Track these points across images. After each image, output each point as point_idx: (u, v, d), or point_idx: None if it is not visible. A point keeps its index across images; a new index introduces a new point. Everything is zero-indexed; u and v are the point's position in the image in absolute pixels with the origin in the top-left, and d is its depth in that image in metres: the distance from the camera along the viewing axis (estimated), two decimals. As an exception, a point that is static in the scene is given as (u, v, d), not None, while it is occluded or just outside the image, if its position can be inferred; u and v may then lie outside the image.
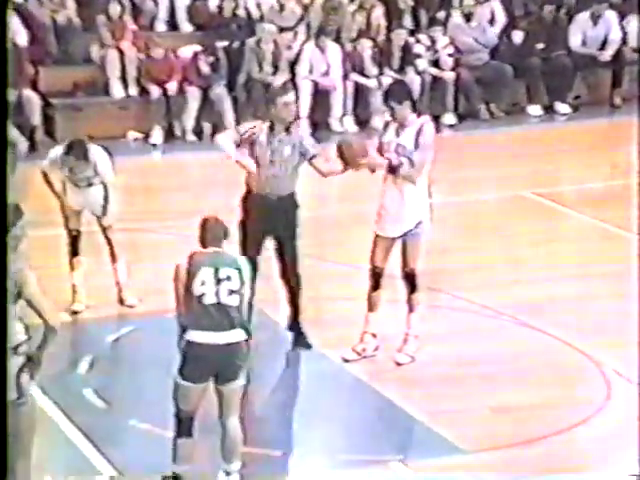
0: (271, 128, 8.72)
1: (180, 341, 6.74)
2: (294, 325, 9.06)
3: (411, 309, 8.74)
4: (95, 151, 9.43)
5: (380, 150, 8.58)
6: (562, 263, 10.53)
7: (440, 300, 9.71)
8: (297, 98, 9.20)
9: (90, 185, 9.46)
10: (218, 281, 6.71)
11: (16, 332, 6.27)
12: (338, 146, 8.61)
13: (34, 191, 9.89)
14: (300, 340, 9.04)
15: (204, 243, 6.78)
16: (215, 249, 6.76)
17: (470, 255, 10.83)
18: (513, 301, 9.73)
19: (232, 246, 7.19)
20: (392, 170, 8.45)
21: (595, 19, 16.80)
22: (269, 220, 8.85)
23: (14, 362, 6.27)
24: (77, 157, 9.32)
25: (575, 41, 16.81)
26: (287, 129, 8.72)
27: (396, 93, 8.66)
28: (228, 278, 6.71)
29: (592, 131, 15.33)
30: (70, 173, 9.38)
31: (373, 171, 8.56)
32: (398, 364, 8.65)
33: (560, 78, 16.54)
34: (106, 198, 9.52)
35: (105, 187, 9.50)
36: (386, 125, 8.73)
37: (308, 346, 9.03)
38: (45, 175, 9.48)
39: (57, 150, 9.49)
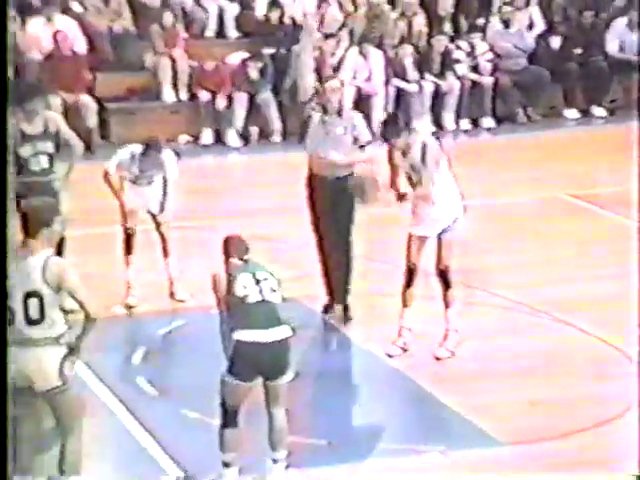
0: (324, 111, 9.19)
1: (226, 342, 6.79)
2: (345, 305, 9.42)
3: (447, 305, 8.75)
4: (165, 152, 9.59)
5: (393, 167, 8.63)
6: (596, 262, 10.51)
7: (477, 297, 9.71)
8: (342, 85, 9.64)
9: (149, 184, 9.57)
10: (257, 282, 6.79)
11: (58, 322, 6.36)
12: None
13: (91, 191, 10.01)
14: (346, 315, 9.39)
15: (229, 257, 6.87)
16: (244, 259, 6.86)
17: (507, 254, 10.84)
18: (548, 298, 9.71)
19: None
20: (401, 198, 8.55)
21: (632, 25, 16.73)
22: (327, 200, 9.27)
23: (57, 351, 6.36)
24: (153, 158, 9.44)
25: (612, 46, 16.76)
26: (339, 113, 9.20)
27: (390, 129, 8.57)
28: (266, 279, 6.81)
29: (628, 134, 15.24)
30: (140, 172, 9.48)
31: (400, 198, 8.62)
32: (438, 359, 8.66)
33: (597, 82, 16.51)
34: (164, 196, 9.62)
35: (165, 185, 9.60)
36: (390, 151, 8.65)
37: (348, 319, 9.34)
38: (106, 175, 9.58)
39: (126, 151, 9.59)
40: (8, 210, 6.15)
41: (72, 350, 6.40)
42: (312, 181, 9.43)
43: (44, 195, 9.32)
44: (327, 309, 9.60)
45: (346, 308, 9.48)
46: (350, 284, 9.49)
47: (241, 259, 6.87)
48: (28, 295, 6.24)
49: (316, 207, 9.46)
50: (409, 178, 8.55)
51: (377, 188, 8.56)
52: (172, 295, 9.69)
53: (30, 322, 6.27)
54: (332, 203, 9.31)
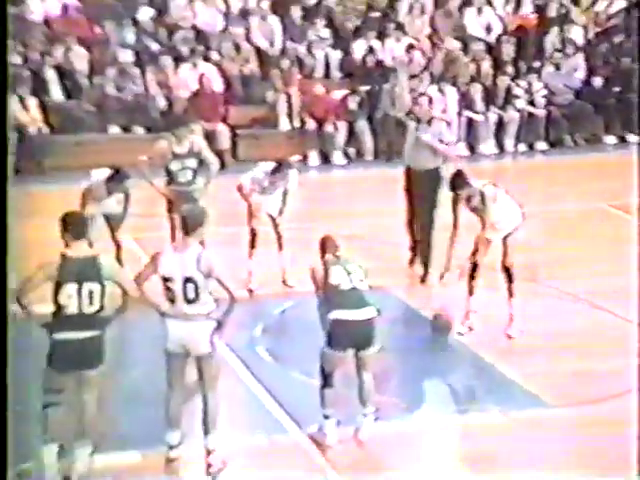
0: (418, 121, 9.96)
1: (324, 321, 6.80)
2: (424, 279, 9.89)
3: (511, 295, 8.67)
4: (292, 170, 9.70)
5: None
6: (629, 260, 10.32)
7: (535, 288, 9.57)
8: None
9: (272, 193, 9.61)
10: (348, 273, 6.81)
11: (208, 302, 6.42)
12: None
13: (223, 199, 10.11)
14: (426, 271, 9.93)
15: (325, 253, 6.89)
16: (337, 255, 6.87)
17: (559, 253, 10.69)
18: (589, 289, 9.57)
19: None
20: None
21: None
22: (419, 186, 9.93)
23: (208, 325, 6.42)
24: (281, 175, 9.48)
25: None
26: (429, 122, 9.94)
27: (457, 184, 8.52)
28: (355, 271, 6.83)
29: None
30: (268, 185, 9.56)
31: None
32: (510, 337, 8.57)
33: (631, 114, 16.17)
34: (284, 203, 9.67)
35: (285, 196, 9.64)
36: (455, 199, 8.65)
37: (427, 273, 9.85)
38: (240, 188, 9.64)
39: (259, 170, 9.65)
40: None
41: (219, 324, 6.47)
42: (408, 173, 10.03)
43: (188, 202, 9.48)
44: (411, 262, 10.17)
45: (426, 266, 9.91)
46: (431, 249, 9.86)
47: (334, 255, 6.89)
48: (186, 280, 6.33)
49: (411, 191, 10.02)
50: (474, 210, 8.51)
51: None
52: (284, 282, 9.73)
53: (188, 301, 6.37)
54: (422, 188, 9.87)
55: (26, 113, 14.36)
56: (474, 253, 8.61)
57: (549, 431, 7.07)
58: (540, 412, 7.36)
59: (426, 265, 9.94)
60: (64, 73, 15.07)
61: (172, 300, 6.39)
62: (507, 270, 8.65)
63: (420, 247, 10.07)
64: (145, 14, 16.12)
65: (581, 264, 10.41)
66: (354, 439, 6.88)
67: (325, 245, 6.94)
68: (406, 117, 10.82)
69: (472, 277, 8.67)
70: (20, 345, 7.21)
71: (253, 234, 9.77)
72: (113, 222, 9.48)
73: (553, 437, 6.98)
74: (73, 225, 6.41)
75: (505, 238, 8.60)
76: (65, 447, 6.43)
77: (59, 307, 6.29)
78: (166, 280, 6.39)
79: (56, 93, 14.96)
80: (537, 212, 10.20)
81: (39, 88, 14.71)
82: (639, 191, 12.28)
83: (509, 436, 7.04)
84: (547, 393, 7.59)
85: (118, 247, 9.50)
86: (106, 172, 9.33)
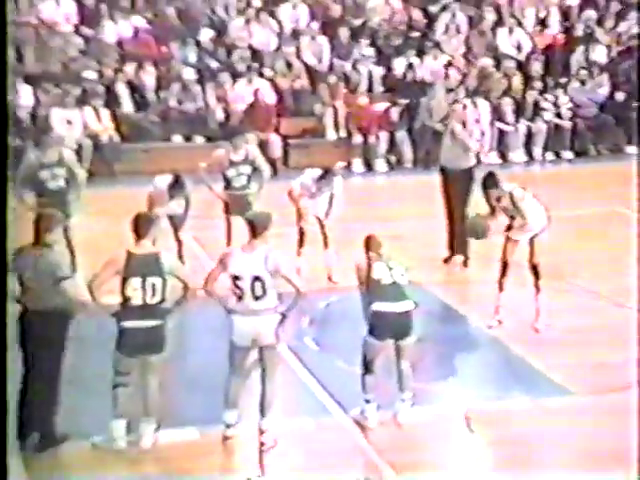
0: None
1: (366, 312, 6.78)
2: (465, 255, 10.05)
3: (538, 291, 8.59)
4: (337, 177, 9.69)
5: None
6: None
7: (561, 285, 9.44)
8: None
9: (319, 197, 9.59)
10: (390, 269, 6.76)
11: (274, 298, 6.41)
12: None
13: (275, 202, 10.09)
14: (465, 262, 10.08)
15: (369, 251, 6.83)
16: (379, 252, 6.82)
17: (583, 253, 10.55)
18: (612, 287, 9.42)
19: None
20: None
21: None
22: (454, 183, 10.04)
23: (273, 318, 6.39)
24: (328, 181, 9.47)
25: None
26: (463, 124, 10.25)
27: (489, 184, 8.48)
28: (396, 267, 6.80)
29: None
30: (316, 190, 9.55)
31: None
32: (537, 330, 8.48)
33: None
34: (330, 206, 9.65)
35: (331, 199, 9.62)
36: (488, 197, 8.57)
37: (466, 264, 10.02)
38: (291, 192, 9.64)
39: (307, 176, 9.64)
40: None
41: (284, 317, 6.46)
42: (444, 171, 10.20)
43: (242, 205, 9.51)
44: (447, 260, 10.17)
45: (466, 257, 10.05)
46: (467, 250, 9.98)
47: (377, 252, 6.85)
48: (255, 279, 6.32)
49: (447, 188, 10.14)
50: (504, 209, 8.45)
51: (488, 227, 8.52)
52: (329, 278, 9.70)
53: (255, 298, 6.36)
54: (457, 185, 10.00)
55: (99, 123, 14.50)
56: (504, 253, 8.53)
57: (572, 417, 6.99)
58: (564, 400, 7.27)
59: (465, 253, 10.04)
60: (134, 88, 15.20)
61: (240, 297, 6.38)
62: (534, 268, 8.56)
63: (459, 240, 10.06)
64: (206, 35, 16.20)
65: (603, 264, 10.25)
66: (393, 422, 6.86)
67: (369, 243, 6.91)
68: (443, 123, 11.05)
69: (502, 275, 8.61)
70: (91, 331, 7.28)
71: (301, 234, 9.76)
72: (175, 222, 9.54)
73: (576, 422, 6.89)
74: (139, 225, 6.47)
75: (532, 239, 8.52)
76: (132, 423, 6.49)
77: (126, 298, 6.36)
78: (235, 279, 6.38)
79: (126, 106, 15.08)
80: (563, 215, 10.06)
81: (111, 101, 14.86)
82: (639, 193, 12.04)
83: (536, 421, 6.97)
84: (571, 382, 7.49)
85: (179, 245, 9.55)
86: (168, 179, 9.40)
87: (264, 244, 6.47)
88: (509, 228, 8.52)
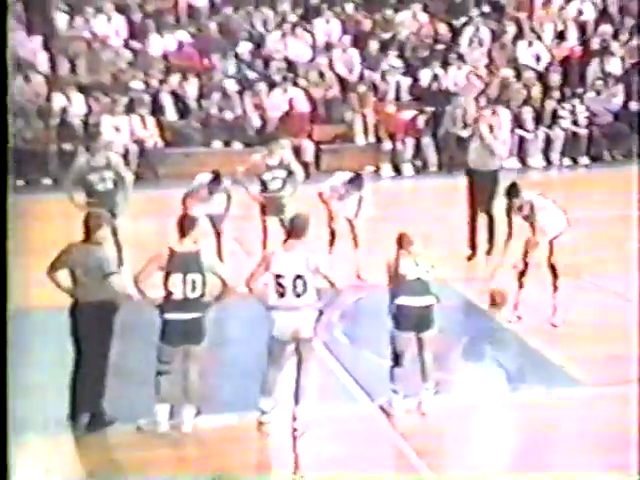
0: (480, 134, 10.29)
1: (390, 307, 6.75)
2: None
3: (555, 289, 8.54)
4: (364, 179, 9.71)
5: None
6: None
7: (576, 283, 9.33)
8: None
9: (348, 198, 9.56)
10: (416, 265, 6.73)
11: (314, 295, 6.41)
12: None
13: (307, 203, 10.08)
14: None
15: (401, 248, 6.81)
16: (409, 250, 6.79)
17: (598, 253, 10.43)
18: (625, 285, 9.30)
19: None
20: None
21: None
22: (480, 184, 10.11)
23: (312, 314, 6.40)
24: (356, 184, 9.48)
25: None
26: (491, 129, 10.28)
27: (512, 193, 8.49)
28: (422, 264, 6.77)
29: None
30: (345, 192, 9.54)
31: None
32: (554, 326, 8.42)
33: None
34: (359, 207, 9.61)
35: (360, 201, 9.60)
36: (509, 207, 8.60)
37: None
38: (321, 194, 9.63)
39: (337, 178, 9.62)
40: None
41: (321, 313, 6.46)
42: (471, 173, 10.30)
43: (277, 207, 9.52)
44: (470, 258, 10.17)
45: (489, 251, 10.02)
46: (493, 241, 9.92)
47: (407, 250, 6.82)
48: (296, 277, 6.33)
49: (473, 189, 10.20)
50: (525, 218, 8.42)
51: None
52: (358, 276, 9.66)
53: (297, 295, 6.37)
54: (482, 185, 10.07)
55: (145, 129, 14.59)
56: (524, 254, 8.48)
57: (585, 406, 6.95)
58: (578, 390, 7.23)
59: (491, 243, 10.05)
60: (177, 97, 15.26)
61: (282, 294, 6.39)
62: (552, 268, 8.53)
63: (487, 236, 10.18)
64: (245, 48, 16.23)
65: (617, 264, 10.14)
66: (417, 410, 6.84)
67: (401, 241, 6.90)
68: (469, 129, 11.08)
69: (522, 274, 8.56)
70: (136, 322, 7.32)
71: (332, 234, 9.75)
72: (215, 222, 9.58)
73: (589, 411, 6.86)
74: (183, 225, 6.50)
75: (551, 241, 8.48)
76: (174, 408, 6.53)
77: (168, 292, 6.39)
78: (278, 277, 6.39)
79: (170, 113, 15.15)
80: (579, 217, 9.95)
81: (156, 109, 14.93)
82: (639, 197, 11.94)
83: (551, 410, 6.92)
84: (584, 374, 7.44)
85: (218, 244, 9.58)
86: (208, 176, 9.46)
87: (304, 244, 6.48)
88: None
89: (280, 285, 6.38)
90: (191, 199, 9.37)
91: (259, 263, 6.57)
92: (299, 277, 6.35)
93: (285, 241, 6.63)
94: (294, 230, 6.52)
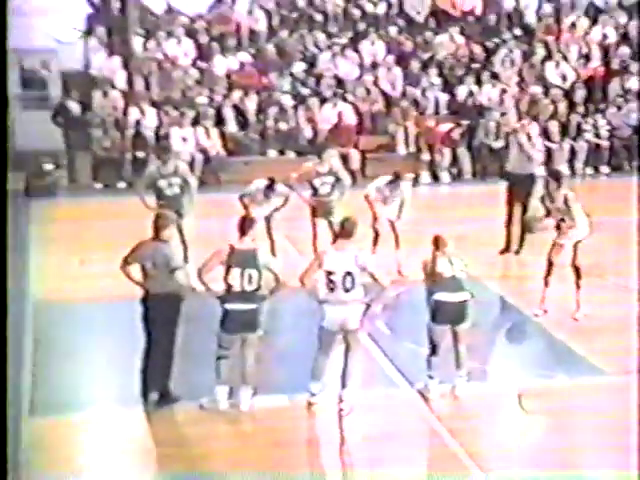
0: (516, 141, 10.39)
1: (428, 301, 6.69)
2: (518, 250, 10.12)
3: (578, 287, 8.39)
4: (405, 183, 9.67)
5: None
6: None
7: (598, 282, 9.14)
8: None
9: (392, 202, 9.53)
10: (452, 264, 6.65)
11: (361, 290, 6.35)
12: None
13: (353, 206, 10.04)
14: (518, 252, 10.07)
15: (437, 249, 6.73)
16: (444, 250, 6.71)
17: (617, 254, 10.21)
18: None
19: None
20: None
21: None
22: (517, 185, 10.18)
23: (360, 307, 6.35)
24: (397, 186, 9.45)
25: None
26: (529, 137, 10.39)
27: (555, 177, 8.36)
28: (457, 263, 6.69)
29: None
30: (388, 194, 9.48)
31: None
32: (576, 320, 8.28)
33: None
34: (400, 210, 9.55)
35: (401, 205, 9.52)
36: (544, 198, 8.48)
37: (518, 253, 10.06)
38: (367, 197, 9.58)
39: (381, 181, 9.56)
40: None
41: (368, 307, 6.43)
42: (509, 176, 10.39)
43: (326, 210, 9.48)
44: (503, 252, 10.20)
45: (518, 251, 10.13)
46: (525, 237, 9.93)
47: (442, 250, 6.75)
48: (346, 274, 6.30)
49: (510, 191, 10.24)
50: (557, 210, 8.30)
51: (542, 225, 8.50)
52: (399, 272, 9.59)
53: (346, 290, 6.34)
54: (519, 187, 10.10)
55: (209, 140, 14.70)
56: (550, 254, 8.39)
57: (607, 394, 6.82)
58: (599, 379, 7.10)
59: (521, 245, 10.09)
60: (238, 111, 15.35)
61: (332, 289, 6.37)
62: (576, 269, 8.39)
63: (517, 235, 10.16)
64: (299, 67, 16.25)
65: (634, 263, 9.90)
66: (451, 395, 6.79)
67: (437, 242, 6.83)
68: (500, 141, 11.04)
69: (547, 273, 8.45)
70: (199, 312, 7.35)
71: (376, 234, 9.70)
72: (270, 222, 9.60)
73: (610, 398, 6.71)
74: (243, 224, 6.53)
75: (576, 244, 8.36)
76: (233, 389, 6.54)
77: (228, 285, 6.42)
78: (329, 274, 6.37)
79: (231, 126, 15.24)
80: (602, 221, 9.75)
81: (219, 122, 15.04)
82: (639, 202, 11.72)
83: (575, 397, 6.80)
84: (606, 364, 7.29)
85: (272, 242, 9.59)
86: (264, 182, 9.49)
87: (353, 244, 6.45)
88: (557, 227, 8.31)
89: (331, 281, 6.37)
90: (248, 201, 9.40)
91: (312, 261, 6.56)
92: (348, 274, 6.33)
93: (335, 241, 6.62)
94: (344, 231, 6.50)
